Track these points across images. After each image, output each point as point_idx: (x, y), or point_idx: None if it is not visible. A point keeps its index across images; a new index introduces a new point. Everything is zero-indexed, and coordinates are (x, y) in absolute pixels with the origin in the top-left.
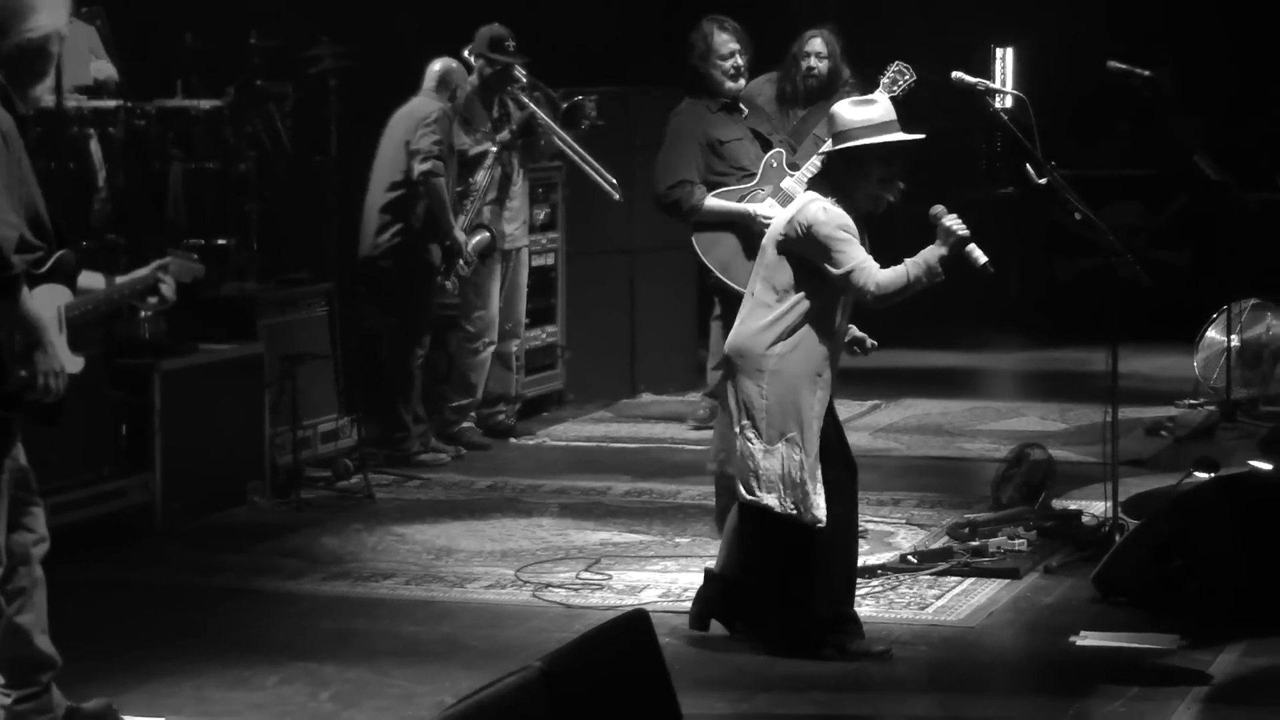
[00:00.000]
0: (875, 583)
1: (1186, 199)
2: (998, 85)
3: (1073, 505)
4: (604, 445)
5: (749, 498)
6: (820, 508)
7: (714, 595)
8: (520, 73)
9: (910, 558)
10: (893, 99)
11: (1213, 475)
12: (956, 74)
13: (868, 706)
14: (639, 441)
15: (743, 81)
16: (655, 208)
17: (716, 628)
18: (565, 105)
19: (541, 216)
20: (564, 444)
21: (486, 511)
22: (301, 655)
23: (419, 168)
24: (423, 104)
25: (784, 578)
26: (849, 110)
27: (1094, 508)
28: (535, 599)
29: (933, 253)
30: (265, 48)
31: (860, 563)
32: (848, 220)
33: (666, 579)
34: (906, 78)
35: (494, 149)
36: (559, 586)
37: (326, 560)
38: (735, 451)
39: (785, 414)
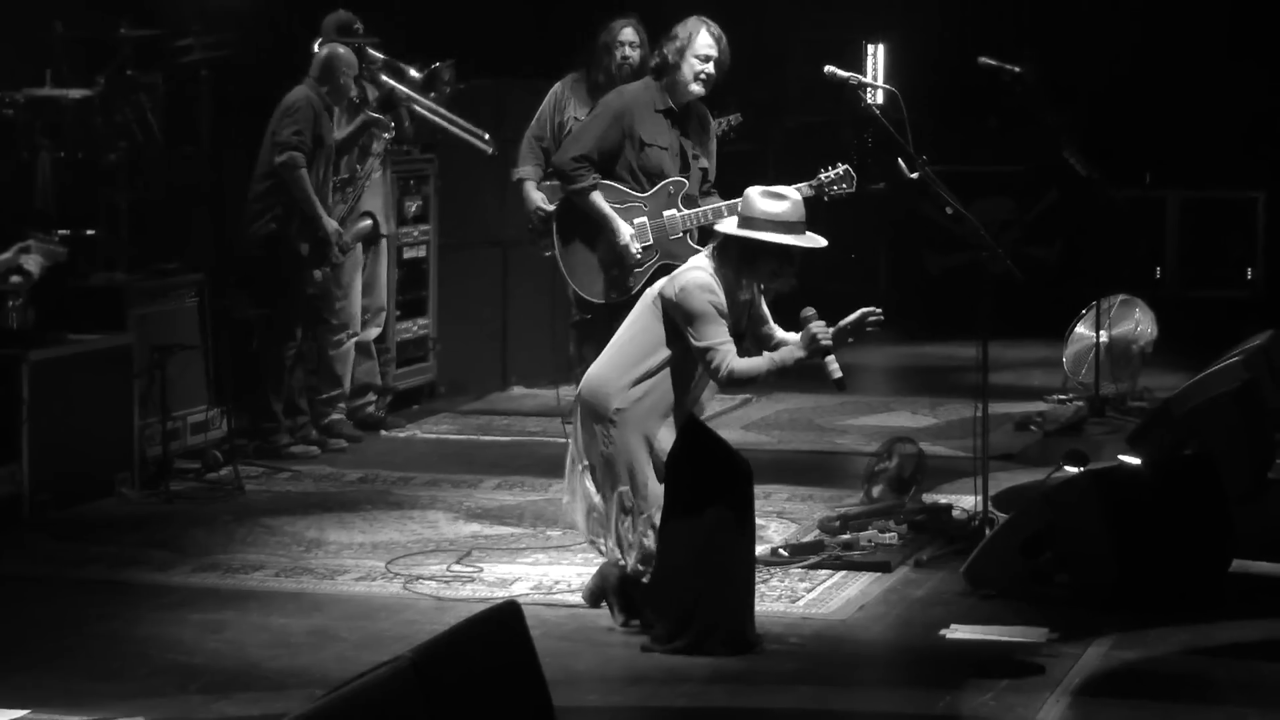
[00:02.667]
0: None
1: (1056, 195)
2: (870, 80)
3: (943, 499)
4: (476, 438)
5: (588, 537)
6: (642, 558)
7: (618, 580)
8: (374, 53)
9: (781, 551)
10: (814, 199)
11: (1082, 469)
12: (829, 68)
13: (739, 699)
14: (511, 434)
15: (704, 91)
16: (552, 171)
17: (596, 616)
18: (422, 74)
19: (413, 209)
20: (435, 436)
21: (357, 504)
22: (171, 647)
23: (276, 159)
24: (293, 93)
25: (677, 579)
26: (759, 199)
27: (964, 501)
28: (406, 591)
29: (791, 354)
30: (136, 37)
31: None
32: (720, 299)
33: (538, 572)
34: (843, 187)
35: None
36: (430, 579)
37: (196, 552)
38: (575, 488)
39: (621, 468)
